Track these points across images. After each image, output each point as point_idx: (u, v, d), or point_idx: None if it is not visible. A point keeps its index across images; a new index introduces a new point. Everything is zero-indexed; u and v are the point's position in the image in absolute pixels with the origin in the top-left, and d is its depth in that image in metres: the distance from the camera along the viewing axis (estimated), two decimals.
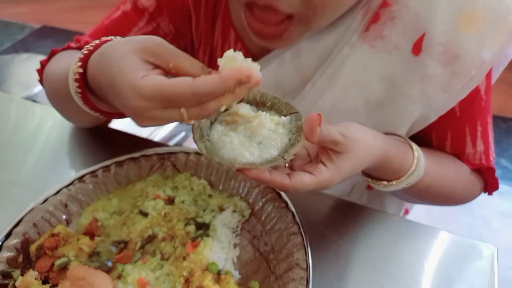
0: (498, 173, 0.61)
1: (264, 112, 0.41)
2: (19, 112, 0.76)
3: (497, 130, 1.91)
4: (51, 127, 0.72)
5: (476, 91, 0.53)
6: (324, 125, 0.38)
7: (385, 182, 0.50)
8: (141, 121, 0.37)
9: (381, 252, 0.51)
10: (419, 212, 0.89)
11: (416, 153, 0.50)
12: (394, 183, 0.50)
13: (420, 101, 0.53)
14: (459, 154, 0.60)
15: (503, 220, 1.55)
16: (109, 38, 0.43)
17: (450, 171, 0.58)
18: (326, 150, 0.41)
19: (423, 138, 0.60)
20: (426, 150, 0.54)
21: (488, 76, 0.53)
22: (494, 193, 0.64)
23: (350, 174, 0.42)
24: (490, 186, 0.62)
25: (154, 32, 0.61)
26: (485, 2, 0.49)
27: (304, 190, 0.39)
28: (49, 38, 2.69)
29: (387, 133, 0.52)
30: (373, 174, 0.50)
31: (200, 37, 0.64)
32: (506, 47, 0.50)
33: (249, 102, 0.43)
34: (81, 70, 0.42)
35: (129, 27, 0.61)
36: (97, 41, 0.43)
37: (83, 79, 0.42)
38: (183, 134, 1.48)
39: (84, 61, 0.42)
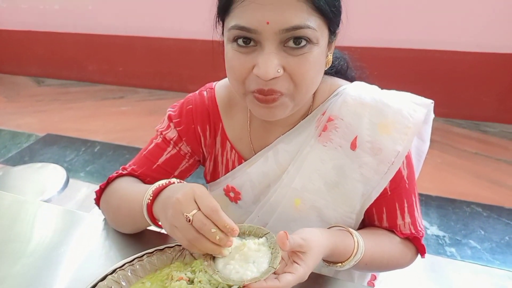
0: (468, 253, 0.82)
1: (247, 240, 0.64)
2: (62, 218, 0.94)
3: (462, 214, 2.15)
4: (86, 229, 0.90)
5: (400, 176, 0.77)
6: (290, 236, 0.60)
7: (339, 264, 0.71)
8: (168, 226, 0.64)
9: None
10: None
11: (355, 238, 0.71)
12: (345, 263, 0.70)
13: (361, 180, 0.76)
14: (393, 226, 0.80)
15: None
16: (172, 181, 0.71)
17: (386, 243, 0.79)
18: (295, 253, 0.62)
19: (370, 216, 0.82)
20: (365, 231, 0.76)
21: (409, 165, 0.78)
22: (470, 273, 0.84)
23: (315, 264, 0.63)
24: (420, 250, 0.83)
25: (177, 154, 0.87)
26: (393, 117, 0.75)
27: (289, 284, 0.59)
28: (53, 145, 2.93)
29: (331, 227, 0.76)
30: (329, 259, 0.71)
31: (208, 150, 0.89)
32: (410, 143, 0.76)
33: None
34: (163, 186, 0.70)
35: (160, 153, 0.86)
36: (166, 182, 0.71)
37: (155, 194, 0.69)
38: None
39: (155, 193, 0.69)
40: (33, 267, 0.78)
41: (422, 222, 0.82)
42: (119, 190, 0.80)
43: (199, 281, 0.70)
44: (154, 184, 0.70)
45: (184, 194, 0.61)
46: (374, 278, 1.00)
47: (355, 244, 0.70)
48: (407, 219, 0.80)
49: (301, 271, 0.59)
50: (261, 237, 0.63)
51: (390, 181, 0.76)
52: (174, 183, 0.70)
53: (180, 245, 0.77)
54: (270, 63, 0.61)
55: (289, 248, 0.59)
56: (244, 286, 0.57)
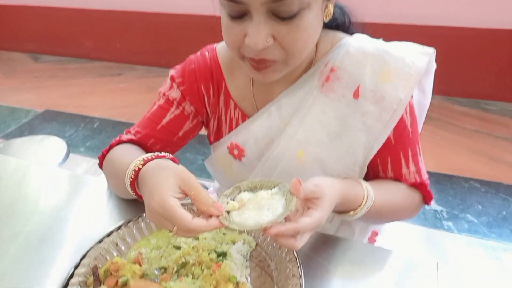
0: (464, 227, 0.83)
1: (260, 191, 0.63)
2: (69, 181, 0.95)
3: (461, 189, 2.18)
4: (94, 191, 0.91)
5: (404, 125, 0.77)
6: (303, 183, 0.60)
7: (351, 212, 0.71)
8: (149, 215, 0.61)
9: (353, 268, 0.69)
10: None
11: (364, 185, 0.72)
12: (357, 211, 0.71)
13: (363, 129, 0.77)
14: (398, 175, 0.80)
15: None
16: (163, 154, 0.69)
17: (393, 190, 0.79)
18: (309, 200, 0.62)
19: (374, 168, 0.82)
20: (373, 182, 0.77)
21: (412, 114, 0.78)
22: (466, 245, 0.85)
23: (330, 209, 0.63)
24: (426, 198, 0.83)
25: (181, 114, 0.86)
26: (395, 64, 0.76)
27: (308, 229, 0.58)
28: (53, 121, 2.92)
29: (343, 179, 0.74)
30: (339, 209, 0.70)
31: (211, 110, 0.89)
32: (412, 90, 0.76)
33: (245, 190, 0.65)
34: (140, 167, 0.66)
35: (164, 114, 0.85)
36: (157, 154, 0.69)
37: (137, 173, 0.67)
38: None
39: (144, 163, 0.67)
40: (44, 225, 0.80)
41: (425, 171, 0.83)
42: (115, 159, 0.79)
43: (204, 238, 0.71)
44: (136, 160, 0.67)
45: (149, 213, 0.60)
46: (375, 234, 1.01)
47: (365, 191, 0.71)
48: (412, 168, 0.80)
49: (318, 215, 0.58)
50: (274, 188, 0.62)
51: (394, 129, 0.77)
52: (153, 158, 0.67)
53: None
54: (258, 35, 0.62)
55: (303, 195, 0.59)
56: (263, 233, 0.58)
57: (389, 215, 0.81)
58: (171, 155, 0.70)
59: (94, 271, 0.61)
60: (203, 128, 0.93)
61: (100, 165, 0.85)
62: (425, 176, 0.82)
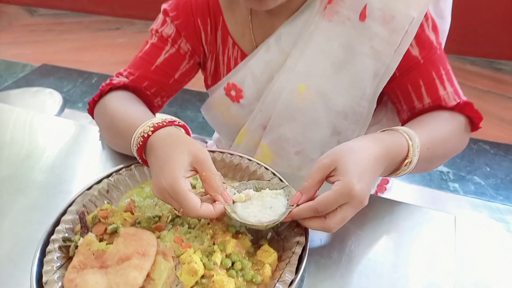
0: (471, 189, 0.75)
1: (265, 190, 0.61)
2: (53, 127, 0.89)
3: (469, 151, 2.12)
4: (84, 138, 0.85)
5: (429, 41, 0.69)
6: (307, 175, 0.54)
7: (404, 167, 0.60)
8: (155, 191, 0.55)
9: (368, 222, 0.64)
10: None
11: (401, 131, 0.60)
12: (405, 165, 0.59)
13: (371, 55, 0.69)
14: (436, 99, 0.70)
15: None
16: (173, 119, 0.62)
17: (435, 123, 0.68)
18: (328, 177, 0.54)
19: (406, 97, 0.72)
20: (409, 123, 0.68)
21: (435, 29, 0.69)
22: (468, 206, 0.76)
23: (359, 172, 0.52)
24: (475, 118, 0.70)
25: (177, 53, 0.78)
26: None
27: (327, 202, 0.51)
28: (50, 76, 2.84)
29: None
30: (390, 168, 0.60)
31: (209, 48, 0.81)
32: (426, 7, 0.67)
33: (251, 188, 0.62)
34: (150, 134, 0.59)
35: (158, 53, 0.77)
36: (168, 120, 0.62)
37: (145, 140, 0.60)
38: None
39: (154, 130, 0.60)
40: (33, 171, 0.75)
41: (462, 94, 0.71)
42: (113, 113, 0.71)
43: (201, 187, 0.66)
44: (144, 124, 0.61)
45: (158, 192, 0.55)
46: (386, 182, 0.96)
47: (406, 136, 0.59)
48: (449, 88, 0.70)
49: (340, 185, 0.50)
50: (279, 189, 0.60)
51: (419, 47, 0.68)
52: (163, 125, 0.60)
53: None
54: None
55: (313, 191, 0.54)
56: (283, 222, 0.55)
57: (440, 156, 0.69)
58: (182, 122, 0.64)
59: (81, 217, 0.57)
60: (200, 76, 0.86)
61: (91, 112, 0.79)
62: (464, 97, 0.71)
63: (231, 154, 0.71)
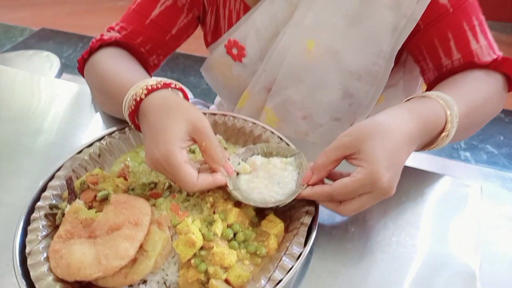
0: (483, 158, 0.68)
1: (274, 158, 0.54)
2: (42, 88, 0.83)
3: None
4: (76, 100, 0.79)
5: None
6: (322, 152, 0.47)
7: (440, 141, 0.53)
8: (149, 162, 0.49)
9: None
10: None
11: (434, 97, 0.53)
12: (443, 137, 0.52)
13: (390, 6, 0.60)
14: (467, 54, 0.61)
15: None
16: (169, 81, 0.55)
17: (470, 85, 0.60)
18: (349, 159, 0.47)
19: (432, 54, 0.64)
20: (439, 86, 0.60)
21: None
22: (480, 175, 0.68)
23: (393, 158, 0.45)
24: None
25: (174, 5, 0.70)
26: None
27: (346, 191, 0.44)
28: (49, 40, 2.75)
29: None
30: (423, 144, 0.53)
31: (208, 0, 0.73)
32: None
33: (259, 154, 0.56)
34: (143, 97, 0.53)
35: (153, 5, 0.70)
36: (163, 82, 0.54)
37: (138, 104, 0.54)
38: None
39: (148, 92, 0.53)
40: (19, 134, 0.70)
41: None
42: (100, 70, 0.65)
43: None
44: (137, 86, 0.54)
45: (150, 162, 0.49)
46: None
47: (442, 104, 0.51)
48: (483, 41, 0.61)
49: (364, 173, 0.43)
50: (289, 157, 0.54)
51: None
52: (158, 88, 0.54)
53: None
54: None
55: (325, 171, 0.48)
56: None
57: (477, 123, 0.61)
58: (179, 84, 0.57)
59: (68, 183, 0.52)
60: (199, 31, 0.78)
61: (80, 70, 0.72)
62: (500, 52, 0.62)
63: (233, 117, 0.65)
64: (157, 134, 0.49)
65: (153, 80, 0.55)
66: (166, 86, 0.55)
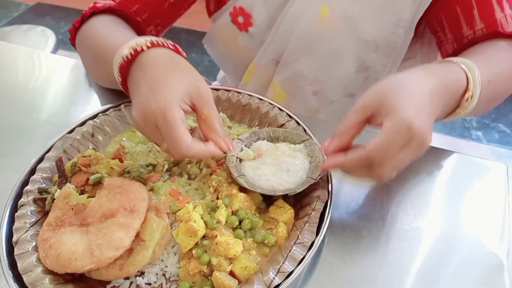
0: (495, 137, 0.63)
1: (281, 143, 0.50)
2: (33, 63, 0.78)
3: None
4: (68, 74, 0.74)
5: None
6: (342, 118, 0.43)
7: (465, 103, 0.49)
8: (137, 115, 0.44)
9: (416, 170, 0.54)
10: None
11: (457, 61, 0.49)
12: (466, 102, 0.49)
13: None
14: (491, 23, 0.57)
15: None
16: (179, 49, 0.50)
17: (494, 54, 0.56)
18: (373, 122, 0.42)
19: (453, 24, 0.59)
20: (463, 54, 0.55)
21: None
22: (491, 155, 0.64)
23: (421, 107, 0.41)
24: None
25: None
26: None
27: (382, 148, 0.39)
28: (46, 15, 2.67)
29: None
30: (449, 107, 0.49)
31: None
32: None
33: (264, 139, 0.51)
34: (144, 48, 0.47)
35: None
36: (169, 41, 0.50)
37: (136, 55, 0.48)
38: None
39: (151, 46, 0.48)
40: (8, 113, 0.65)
41: None
42: (94, 37, 0.60)
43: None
44: (140, 38, 0.49)
45: (143, 117, 0.44)
46: None
47: (463, 67, 0.48)
48: (508, 10, 0.57)
49: (394, 121, 0.39)
50: (298, 143, 0.50)
51: None
52: (164, 44, 0.49)
53: None
54: None
55: (348, 136, 0.43)
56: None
57: (501, 93, 0.57)
58: (184, 53, 0.51)
59: (58, 164, 0.47)
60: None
61: (72, 41, 0.67)
62: None
63: (238, 92, 0.60)
64: (156, 84, 0.44)
65: (159, 38, 0.50)
66: (175, 48, 0.50)
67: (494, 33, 0.57)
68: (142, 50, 0.48)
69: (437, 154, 0.57)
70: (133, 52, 0.48)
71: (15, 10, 2.72)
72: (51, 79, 0.73)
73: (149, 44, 0.48)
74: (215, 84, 0.99)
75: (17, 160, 0.55)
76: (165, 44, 0.49)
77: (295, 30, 0.63)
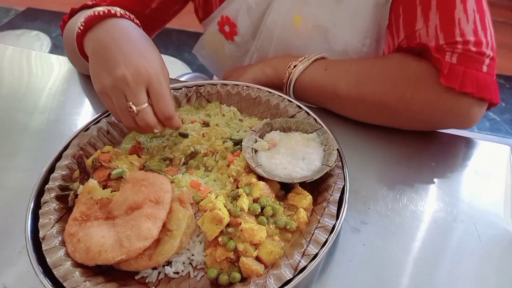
0: (486, 125, 0.65)
1: (294, 133, 0.51)
2: (39, 63, 0.78)
3: None
4: (69, 74, 0.75)
5: None
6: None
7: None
8: (128, 72, 0.46)
9: (411, 155, 0.56)
10: None
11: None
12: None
13: None
14: (410, 35, 0.54)
15: None
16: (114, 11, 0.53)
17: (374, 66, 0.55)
18: None
19: (391, 33, 0.59)
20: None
21: None
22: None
23: None
24: (440, 71, 0.50)
25: None
26: None
27: None
28: (36, 20, 2.64)
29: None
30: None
31: None
32: None
33: (277, 129, 0.53)
34: (106, 11, 0.51)
35: None
36: (128, 14, 0.54)
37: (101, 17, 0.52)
38: None
39: (121, 16, 0.53)
40: (17, 113, 0.65)
41: (483, 34, 0.51)
42: (75, 27, 0.59)
43: (216, 125, 0.56)
44: (102, 6, 0.53)
45: (137, 75, 0.45)
46: None
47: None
48: (434, 21, 0.51)
49: None
50: (311, 133, 0.51)
51: None
52: (116, 13, 0.52)
53: (189, 87, 0.62)
54: None
55: None
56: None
57: (372, 91, 0.56)
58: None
59: (79, 161, 0.48)
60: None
61: (62, 34, 0.68)
62: (475, 38, 0.50)
63: (247, 86, 0.61)
64: (142, 49, 0.48)
65: (119, 8, 0.54)
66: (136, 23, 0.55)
67: (420, 44, 0.53)
68: (105, 13, 0.51)
69: (449, 139, 0.59)
70: (102, 13, 0.51)
71: (5, 16, 2.69)
72: (52, 79, 0.73)
73: (122, 12, 0.53)
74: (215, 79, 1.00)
75: (27, 159, 0.57)
76: (127, 15, 0.54)
77: (273, 38, 0.65)
